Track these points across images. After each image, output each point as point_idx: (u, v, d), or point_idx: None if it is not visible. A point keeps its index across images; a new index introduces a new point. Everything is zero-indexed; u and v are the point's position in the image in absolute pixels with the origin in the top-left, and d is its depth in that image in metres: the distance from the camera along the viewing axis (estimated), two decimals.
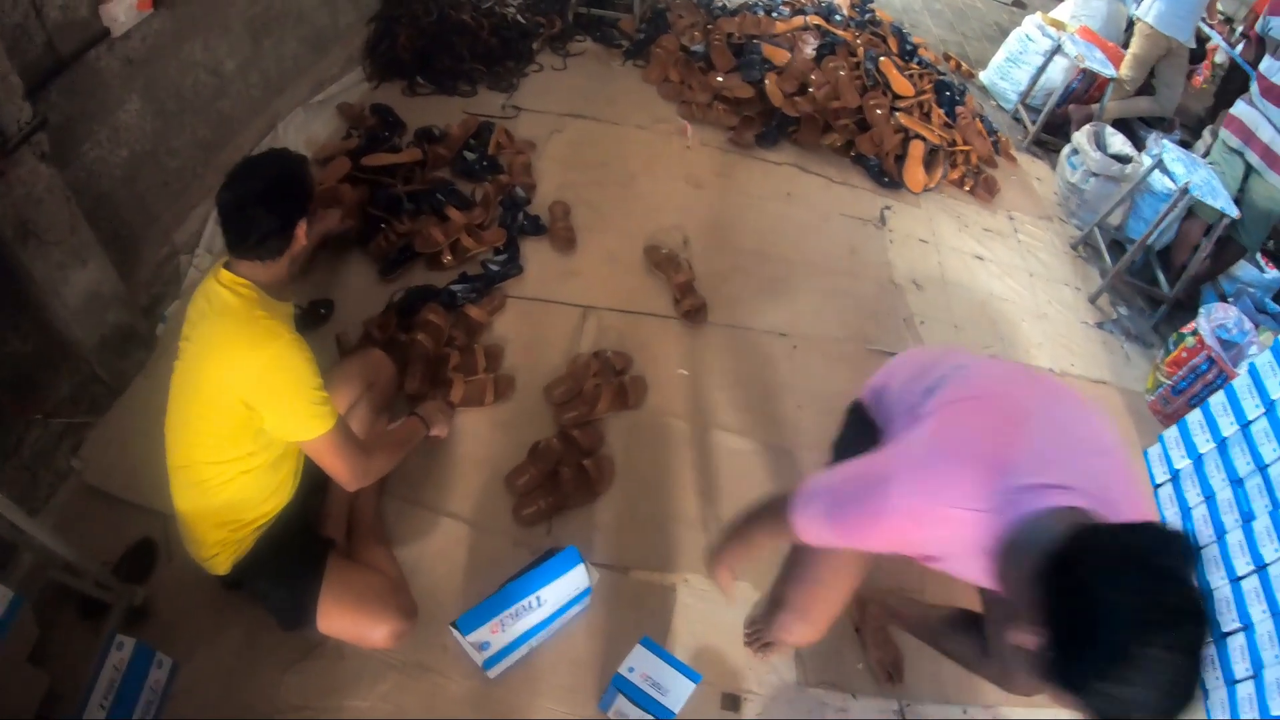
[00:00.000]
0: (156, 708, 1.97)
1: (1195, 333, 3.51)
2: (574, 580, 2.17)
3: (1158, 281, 4.30)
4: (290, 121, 3.64)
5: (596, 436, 2.75)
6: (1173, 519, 3.06)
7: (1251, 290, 4.26)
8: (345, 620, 2.03)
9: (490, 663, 2.11)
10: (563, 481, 2.57)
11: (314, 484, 2.19)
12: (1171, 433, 3.24)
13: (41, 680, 1.91)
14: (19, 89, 2.03)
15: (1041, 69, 5.47)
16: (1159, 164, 4.13)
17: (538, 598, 2.10)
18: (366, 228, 3.20)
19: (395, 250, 3.14)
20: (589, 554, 2.29)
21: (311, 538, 2.15)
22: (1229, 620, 2.62)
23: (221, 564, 2.00)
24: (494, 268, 3.20)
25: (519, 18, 4.73)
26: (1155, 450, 3.30)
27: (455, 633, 2.01)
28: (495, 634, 2.04)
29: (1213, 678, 2.60)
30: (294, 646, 2.15)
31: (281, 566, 2.03)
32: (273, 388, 1.81)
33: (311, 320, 2.88)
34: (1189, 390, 3.52)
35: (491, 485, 2.59)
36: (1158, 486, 3.20)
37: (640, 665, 2.05)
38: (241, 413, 1.81)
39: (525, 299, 3.20)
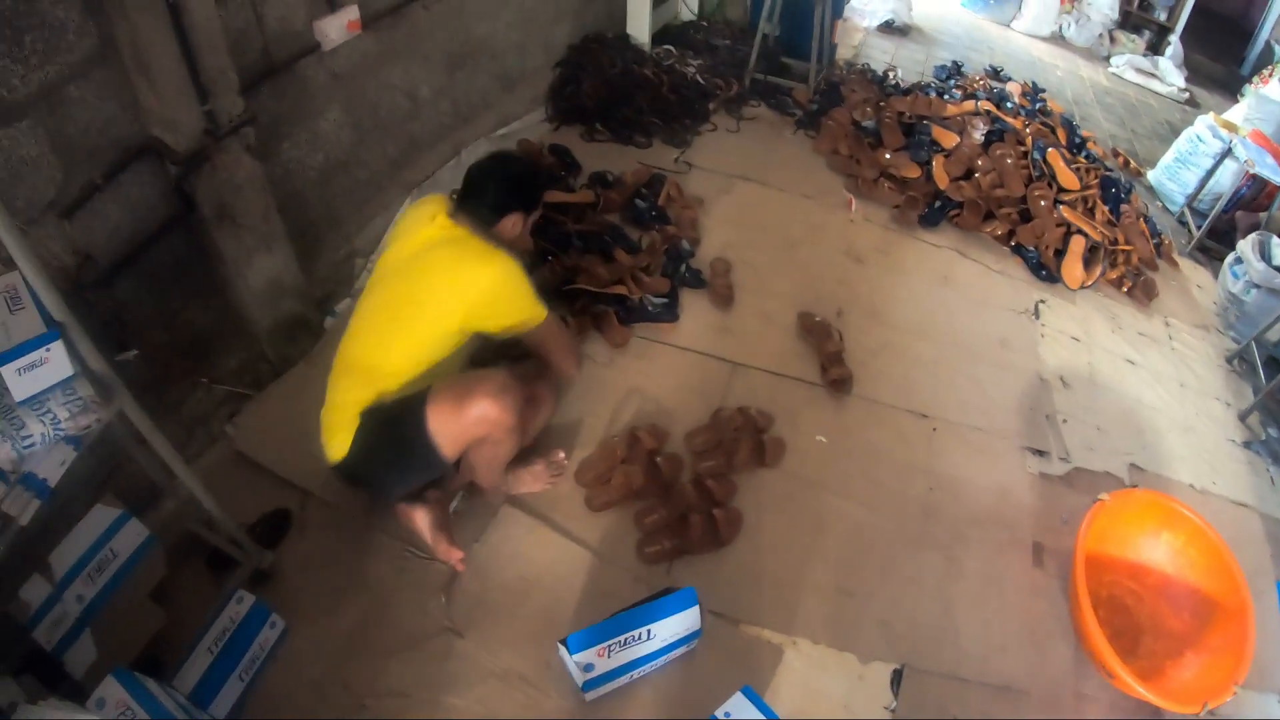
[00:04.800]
0: (260, 665, 2.07)
1: None
2: (686, 620, 2.21)
3: None
4: (474, 150, 3.89)
5: (729, 488, 2.79)
6: None
7: None
8: (449, 403, 2.11)
9: (590, 685, 2.15)
10: (690, 526, 2.61)
11: None
12: None
13: (158, 616, 2.05)
14: (235, 84, 2.31)
15: (1210, 172, 5.33)
16: None
17: (649, 630, 2.14)
18: (535, 258, 3.33)
19: (559, 281, 3.25)
20: (704, 600, 2.30)
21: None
22: None
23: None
24: (651, 309, 3.32)
25: (698, 78, 4.95)
26: None
27: (563, 650, 2.06)
28: (601, 658, 2.09)
29: None
30: (404, 636, 2.25)
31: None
32: (500, 296, 2.18)
33: None
34: None
35: (620, 518, 2.67)
36: None
37: (737, 712, 1.99)
38: (454, 329, 2.17)
39: (678, 348, 3.30)
